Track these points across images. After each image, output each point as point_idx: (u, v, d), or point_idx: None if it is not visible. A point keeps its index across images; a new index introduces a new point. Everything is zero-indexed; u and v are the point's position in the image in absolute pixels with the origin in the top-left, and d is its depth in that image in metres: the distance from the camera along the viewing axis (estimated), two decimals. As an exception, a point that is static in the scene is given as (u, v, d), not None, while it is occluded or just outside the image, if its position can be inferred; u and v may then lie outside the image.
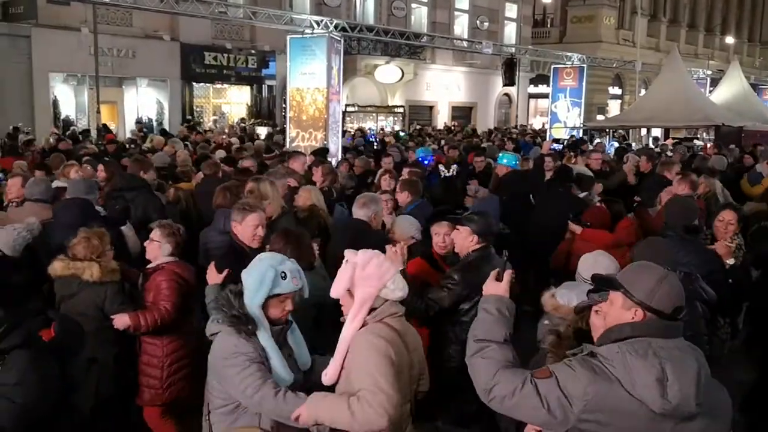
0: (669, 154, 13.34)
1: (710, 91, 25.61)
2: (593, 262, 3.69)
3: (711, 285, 4.08)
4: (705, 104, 20.69)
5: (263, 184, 5.52)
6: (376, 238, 4.72)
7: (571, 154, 11.88)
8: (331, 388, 2.90)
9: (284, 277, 2.99)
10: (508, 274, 2.69)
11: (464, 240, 4.35)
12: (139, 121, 22.83)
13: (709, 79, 28.66)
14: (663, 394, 2.12)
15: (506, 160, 9.06)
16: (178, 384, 4.36)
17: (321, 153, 11.15)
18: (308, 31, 15.42)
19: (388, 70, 29.37)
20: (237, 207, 4.56)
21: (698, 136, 19.78)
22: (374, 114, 29.65)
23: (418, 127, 27.66)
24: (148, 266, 4.46)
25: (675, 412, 2.14)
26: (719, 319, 4.47)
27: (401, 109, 30.49)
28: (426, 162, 9.96)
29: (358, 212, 5.26)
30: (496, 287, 2.68)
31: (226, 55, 25.22)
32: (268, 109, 27.55)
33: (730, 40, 46.13)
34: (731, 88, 24.16)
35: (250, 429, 2.96)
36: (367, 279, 2.83)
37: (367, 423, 2.59)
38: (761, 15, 52.39)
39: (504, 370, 2.36)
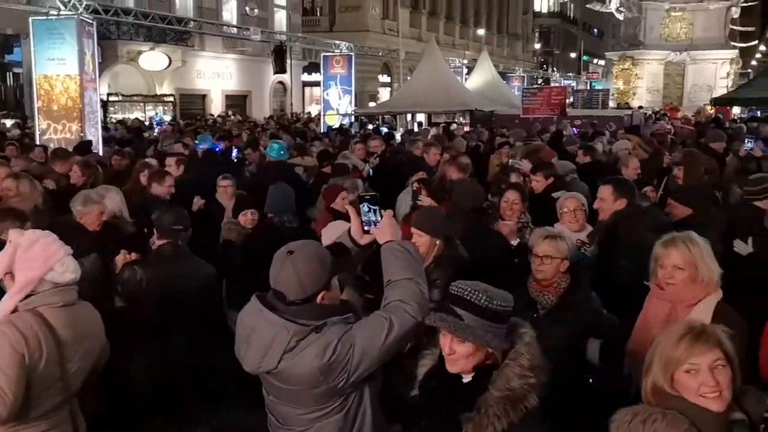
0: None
1: (466, 79, 27.89)
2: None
3: (494, 264, 4.14)
4: (461, 91, 22.51)
5: (23, 182, 5.11)
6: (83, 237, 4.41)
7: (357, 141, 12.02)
8: None
9: None
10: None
11: None
12: None
13: (465, 68, 31.18)
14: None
15: (273, 153, 8.87)
16: None
17: (83, 148, 10.34)
18: (54, 12, 14.02)
19: (153, 57, 27.78)
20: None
21: (456, 120, 21.40)
22: (141, 104, 27.95)
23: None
24: None
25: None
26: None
27: (171, 98, 29.10)
28: (217, 149, 9.92)
29: None
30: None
31: (-44, 38, 22.11)
32: (15, 99, 24.70)
33: (481, 31, 50.57)
34: (482, 75, 26.55)
35: None
36: (30, 261, 2.67)
37: None
38: (507, 9, 58.14)
39: None
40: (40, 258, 2.66)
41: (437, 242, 3.81)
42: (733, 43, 33.13)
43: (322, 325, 2.37)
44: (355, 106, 25.24)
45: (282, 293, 2.42)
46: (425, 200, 5.24)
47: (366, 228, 2.69)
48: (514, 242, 4.83)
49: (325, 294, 2.45)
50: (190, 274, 4.14)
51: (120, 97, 27.00)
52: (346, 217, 5.47)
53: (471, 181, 5.88)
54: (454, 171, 6.89)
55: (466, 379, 2.31)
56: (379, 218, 2.67)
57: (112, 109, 25.78)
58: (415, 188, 5.50)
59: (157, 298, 3.97)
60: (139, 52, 27.30)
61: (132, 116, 25.19)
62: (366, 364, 2.40)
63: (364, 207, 2.69)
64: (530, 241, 3.63)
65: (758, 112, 24.71)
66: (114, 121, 22.25)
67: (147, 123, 22.79)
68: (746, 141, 8.44)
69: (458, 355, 2.28)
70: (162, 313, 3.94)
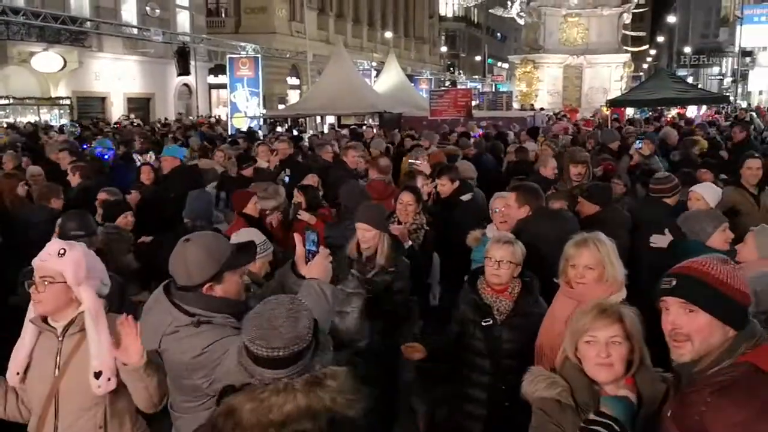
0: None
1: (375, 81, 28.09)
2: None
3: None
4: (369, 93, 22.64)
5: None
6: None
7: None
8: None
9: None
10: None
11: None
12: None
13: (373, 70, 31.41)
14: None
15: (176, 153, 8.66)
16: None
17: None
18: (-67, 10, 13.10)
19: (46, 58, 26.31)
20: None
21: (366, 122, 21.49)
22: (35, 107, 26.48)
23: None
24: None
25: None
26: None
27: (68, 101, 27.70)
28: (106, 156, 9.59)
29: None
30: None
31: None
32: None
33: (388, 34, 51.05)
34: (390, 78, 26.79)
35: None
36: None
37: None
38: (413, 13, 58.97)
39: None
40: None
41: (385, 236, 4.00)
42: (625, 48, 34.95)
43: (204, 322, 2.42)
44: (264, 108, 24.91)
45: (174, 278, 2.55)
46: (304, 215, 5.39)
47: (307, 258, 2.80)
48: (407, 245, 4.74)
49: (213, 285, 2.50)
50: None
51: (11, 101, 25.50)
52: (257, 223, 5.47)
53: (355, 183, 5.92)
54: (374, 172, 6.95)
55: None
56: (317, 250, 2.77)
57: (2, 113, 24.34)
58: (295, 201, 5.57)
59: None
60: (32, 53, 25.82)
61: (25, 120, 23.85)
62: (232, 378, 2.17)
63: (306, 236, 2.80)
64: (486, 245, 3.69)
65: (648, 113, 26.14)
66: (4, 125, 20.91)
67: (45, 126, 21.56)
68: (636, 141, 8.91)
69: None
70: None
